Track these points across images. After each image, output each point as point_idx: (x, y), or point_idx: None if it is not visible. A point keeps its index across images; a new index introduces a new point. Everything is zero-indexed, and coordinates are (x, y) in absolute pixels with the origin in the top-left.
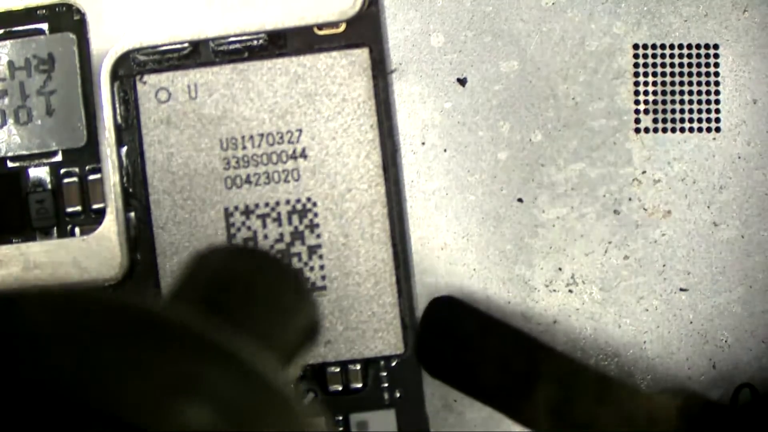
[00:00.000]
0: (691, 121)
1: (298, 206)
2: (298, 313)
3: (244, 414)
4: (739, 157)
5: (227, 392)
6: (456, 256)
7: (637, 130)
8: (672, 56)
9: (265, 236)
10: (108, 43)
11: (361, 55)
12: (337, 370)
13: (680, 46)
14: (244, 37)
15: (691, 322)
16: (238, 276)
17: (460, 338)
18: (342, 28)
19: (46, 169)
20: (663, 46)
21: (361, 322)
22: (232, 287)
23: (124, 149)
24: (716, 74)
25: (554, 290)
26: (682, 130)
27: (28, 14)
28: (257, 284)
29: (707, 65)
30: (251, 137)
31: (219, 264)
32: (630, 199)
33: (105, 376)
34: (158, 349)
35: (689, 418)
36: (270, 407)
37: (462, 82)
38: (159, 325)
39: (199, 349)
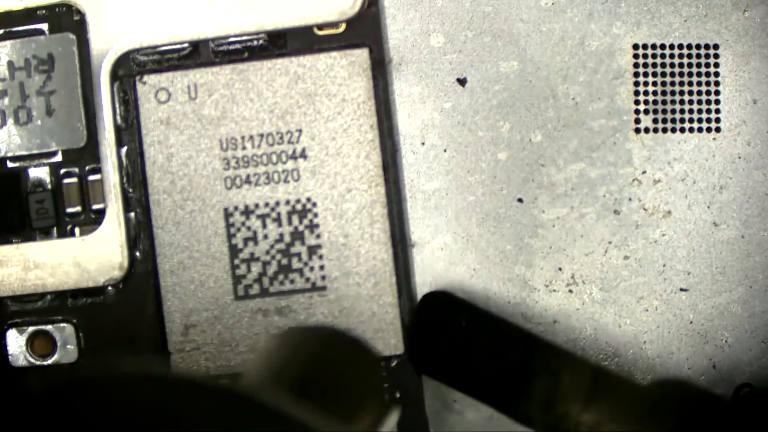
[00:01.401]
0: (691, 121)
1: (298, 206)
2: (374, 389)
3: None
4: (739, 157)
5: None
6: (456, 256)
7: (637, 130)
8: (672, 56)
9: (265, 236)
10: (108, 43)
11: (361, 55)
12: None
13: (680, 46)
14: (244, 38)
15: (691, 322)
16: (321, 359)
17: (452, 333)
18: (342, 28)
19: (46, 169)
20: (663, 46)
21: (361, 322)
22: (315, 371)
23: (124, 149)
24: (716, 74)
25: (554, 290)
26: (682, 130)
27: (28, 14)
28: (337, 366)
29: (707, 65)
30: (251, 137)
31: (313, 348)
32: (630, 199)
33: None
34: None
35: (686, 410)
36: None
37: (462, 82)
38: (250, 404)
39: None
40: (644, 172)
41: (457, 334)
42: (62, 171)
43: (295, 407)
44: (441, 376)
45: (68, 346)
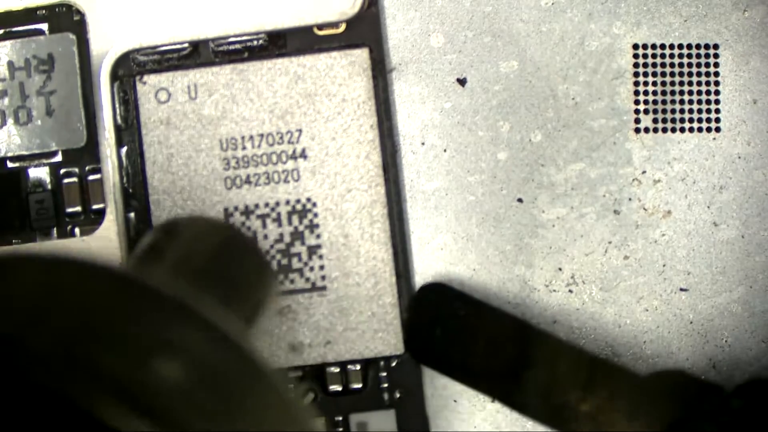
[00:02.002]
0: (691, 121)
1: (298, 206)
2: (258, 279)
3: (212, 368)
4: (739, 157)
5: (197, 350)
6: (456, 256)
7: (637, 130)
8: (672, 56)
9: (265, 236)
10: (108, 43)
11: (361, 55)
12: (337, 370)
13: (680, 46)
14: (244, 37)
15: (691, 322)
16: (206, 247)
17: (449, 323)
18: (342, 28)
19: (46, 169)
20: (663, 46)
21: (361, 322)
22: (201, 258)
23: (124, 149)
24: (716, 74)
25: (554, 290)
26: (682, 130)
27: (28, 14)
28: (221, 254)
29: (707, 65)
30: (251, 137)
31: (188, 234)
32: (630, 199)
33: (88, 336)
34: (134, 311)
35: (683, 399)
36: (236, 363)
37: (462, 82)
38: (135, 289)
39: (171, 311)
40: (644, 172)
41: (454, 324)
42: (62, 171)
43: (174, 288)
44: (438, 365)
45: None
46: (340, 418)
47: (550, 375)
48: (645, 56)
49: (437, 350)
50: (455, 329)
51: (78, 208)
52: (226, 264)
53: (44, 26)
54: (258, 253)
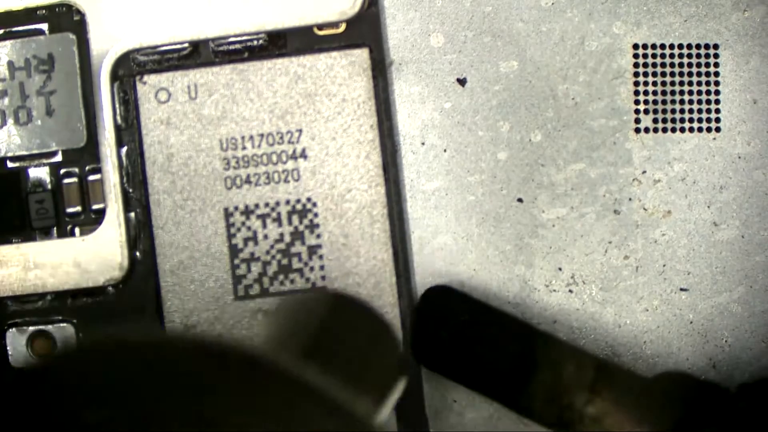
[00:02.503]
0: (691, 121)
1: (298, 206)
2: (384, 355)
3: None
4: (739, 157)
5: None
6: (456, 257)
7: (637, 130)
8: (672, 56)
9: (265, 236)
10: (108, 43)
11: (361, 55)
12: None
13: (680, 46)
14: (244, 38)
15: (691, 322)
16: (330, 325)
17: (454, 326)
18: (342, 28)
19: (46, 169)
20: (663, 46)
21: None
22: (324, 336)
23: (124, 149)
24: (716, 74)
25: (554, 290)
26: (682, 130)
27: (28, 14)
28: (346, 332)
29: (707, 65)
30: (251, 137)
31: (320, 314)
32: (630, 199)
33: (215, 417)
34: (260, 392)
35: (687, 401)
36: None
37: (462, 82)
38: (261, 368)
39: (297, 394)
40: (644, 172)
41: (459, 327)
42: (62, 171)
43: (302, 371)
44: (443, 369)
45: None
46: None
47: (555, 378)
48: (645, 56)
49: (443, 354)
50: (461, 333)
51: (78, 208)
52: (344, 337)
53: (44, 26)
54: (375, 316)
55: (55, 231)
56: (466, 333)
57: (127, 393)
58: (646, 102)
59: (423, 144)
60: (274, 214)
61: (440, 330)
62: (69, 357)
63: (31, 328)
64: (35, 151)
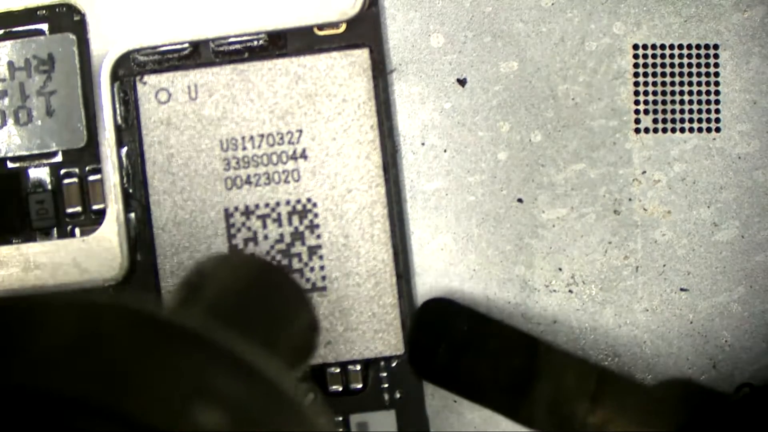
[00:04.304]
0: (691, 121)
1: (299, 207)
2: (298, 316)
3: (253, 416)
4: (739, 157)
5: (237, 396)
6: (456, 257)
7: (637, 130)
8: (672, 56)
9: (265, 237)
10: (108, 43)
11: (361, 55)
12: (337, 370)
13: (680, 46)
14: (244, 38)
15: (691, 322)
16: (241, 284)
17: (453, 338)
18: (342, 28)
19: (46, 169)
20: (663, 46)
21: (361, 322)
22: (236, 295)
23: (124, 150)
24: (716, 74)
25: (554, 290)
26: (682, 130)
27: (28, 14)
28: (258, 291)
29: (707, 65)
30: (251, 138)
31: (222, 273)
32: (630, 199)
33: (123, 381)
34: (172, 355)
35: (690, 409)
36: (278, 409)
37: (462, 82)
38: (173, 331)
39: (211, 355)
40: (644, 172)
41: (458, 339)
42: (62, 171)
43: (213, 331)
44: (443, 381)
45: None
46: (341, 419)
47: (556, 388)
48: (645, 56)
49: (442, 367)
50: (460, 345)
51: (78, 209)
52: (263, 299)
53: (44, 26)
54: (294, 284)
55: (55, 231)
56: (465, 345)
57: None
58: (646, 102)
59: (423, 144)
60: (274, 215)
61: (439, 343)
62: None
63: None
64: (35, 152)
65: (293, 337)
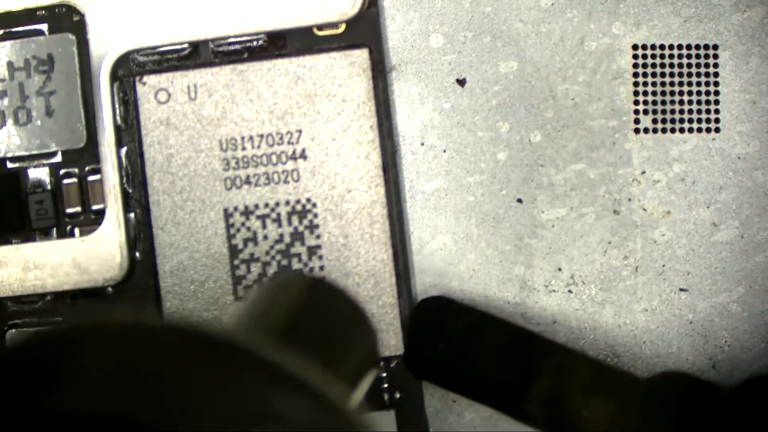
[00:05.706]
0: (691, 121)
1: (298, 207)
2: (360, 340)
3: None
4: (739, 157)
5: (299, 418)
6: (455, 257)
7: (637, 131)
8: (671, 56)
9: (265, 237)
10: (107, 44)
11: (361, 55)
12: None
13: (680, 47)
14: (244, 38)
15: (691, 322)
16: (307, 308)
17: (450, 335)
18: (342, 28)
19: (46, 169)
20: (662, 47)
21: None
22: (301, 318)
23: (124, 150)
24: (716, 74)
25: (554, 290)
26: (682, 130)
27: (28, 15)
28: (323, 315)
29: (707, 65)
30: (251, 138)
31: (291, 296)
32: (630, 199)
33: (184, 403)
34: (234, 376)
35: (684, 400)
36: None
37: (461, 82)
38: (236, 352)
39: (273, 377)
40: (644, 172)
41: (454, 337)
42: (62, 171)
43: (275, 353)
44: (440, 380)
45: None
46: None
47: (552, 382)
48: (645, 56)
49: (441, 366)
50: (456, 344)
51: (78, 209)
52: (323, 321)
53: (44, 26)
54: (351, 302)
55: (54, 231)
56: (461, 343)
57: (95, 379)
58: (645, 102)
59: (422, 144)
60: (273, 215)
61: (436, 342)
62: (44, 339)
63: (31, 329)
64: (35, 152)
65: (354, 362)
